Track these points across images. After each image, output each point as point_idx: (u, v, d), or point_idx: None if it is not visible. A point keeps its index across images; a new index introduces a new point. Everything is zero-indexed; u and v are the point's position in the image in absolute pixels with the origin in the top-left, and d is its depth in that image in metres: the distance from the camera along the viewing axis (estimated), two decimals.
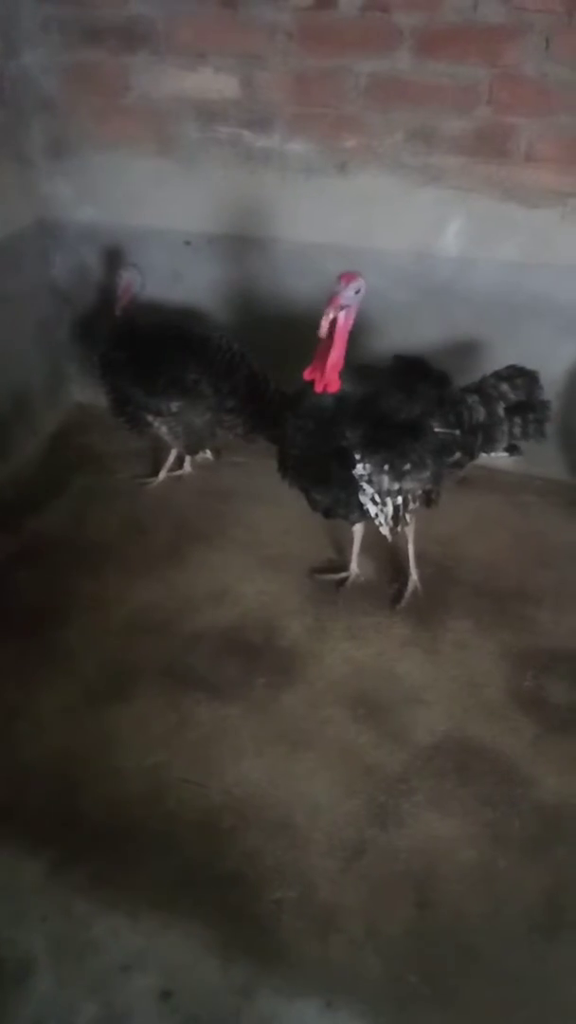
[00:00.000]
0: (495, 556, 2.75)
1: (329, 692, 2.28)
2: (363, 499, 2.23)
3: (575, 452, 3.03)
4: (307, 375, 2.13)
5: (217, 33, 2.58)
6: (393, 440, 2.20)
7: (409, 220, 2.72)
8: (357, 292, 2.03)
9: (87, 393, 3.43)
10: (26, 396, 3.20)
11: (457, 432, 2.34)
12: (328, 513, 2.41)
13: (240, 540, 2.82)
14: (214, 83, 2.66)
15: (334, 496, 2.30)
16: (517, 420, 2.41)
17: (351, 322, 2.08)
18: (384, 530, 2.33)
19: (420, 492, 2.36)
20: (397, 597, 2.57)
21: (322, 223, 2.79)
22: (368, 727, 2.18)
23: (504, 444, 2.43)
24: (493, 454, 2.46)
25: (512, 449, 2.46)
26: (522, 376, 2.43)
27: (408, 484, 2.26)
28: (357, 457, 2.15)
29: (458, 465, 2.40)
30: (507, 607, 2.56)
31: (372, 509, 2.25)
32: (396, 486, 2.23)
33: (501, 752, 2.12)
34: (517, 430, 2.42)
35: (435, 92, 2.50)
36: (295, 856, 1.88)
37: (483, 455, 2.45)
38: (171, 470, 3.11)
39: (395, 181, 2.67)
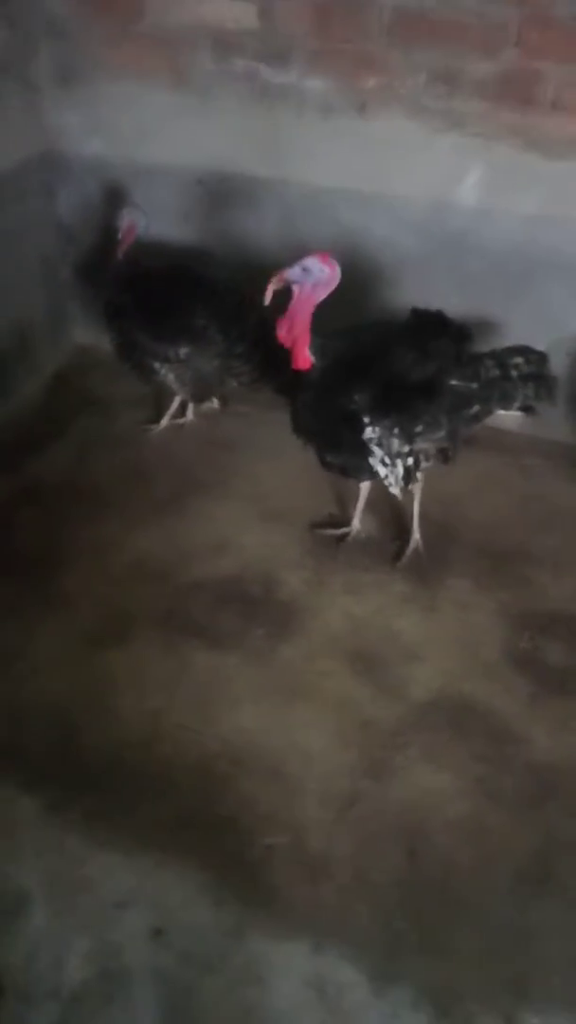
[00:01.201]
0: (498, 517, 2.74)
1: (327, 645, 2.28)
2: (372, 461, 2.21)
3: None
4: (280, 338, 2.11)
5: None
6: (404, 403, 2.17)
7: (427, 167, 2.64)
8: (304, 270, 2.00)
9: (88, 335, 3.37)
10: (28, 335, 3.13)
11: (475, 385, 2.31)
12: (344, 472, 2.42)
13: (242, 491, 2.79)
14: (231, 11, 2.55)
15: (344, 459, 2.30)
16: (530, 383, 2.42)
17: (312, 301, 2.05)
18: (394, 489, 2.31)
19: (435, 451, 2.34)
20: (398, 555, 2.57)
21: (337, 166, 2.71)
22: (364, 681, 2.19)
23: (519, 402, 2.43)
24: (508, 412, 2.45)
25: (527, 409, 2.47)
26: (534, 354, 2.45)
27: (420, 445, 2.25)
28: (366, 420, 2.13)
29: (476, 419, 2.38)
30: (507, 568, 2.55)
31: (382, 471, 2.23)
32: (406, 448, 2.22)
33: (496, 710, 2.14)
34: (530, 391, 2.43)
35: (461, 31, 2.40)
36: (288, 804, 1.90)
37: (500, 412, 2.43)
38: (174, 417, 3.06)
39: (415, 126, 2.58)
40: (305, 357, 2.10)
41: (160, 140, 2.83)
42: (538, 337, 2.84)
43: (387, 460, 2.21)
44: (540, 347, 2.81)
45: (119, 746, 2.00)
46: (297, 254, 2.89)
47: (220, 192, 2.89)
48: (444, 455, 2.40)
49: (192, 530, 2.63)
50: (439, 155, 2.61)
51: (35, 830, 1.83)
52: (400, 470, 2.26)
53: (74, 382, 3.29)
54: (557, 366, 2.86)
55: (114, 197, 2.98)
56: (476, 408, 2.34)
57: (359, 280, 2.91)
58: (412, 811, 1.90)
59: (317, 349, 2.11)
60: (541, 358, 2.46)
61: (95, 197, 3.05)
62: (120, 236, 2.69)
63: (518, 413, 2.47)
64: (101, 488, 2.77)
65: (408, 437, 2.20)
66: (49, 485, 2.78)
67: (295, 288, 2.04)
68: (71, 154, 2.97)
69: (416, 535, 2.57)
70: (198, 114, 2.74)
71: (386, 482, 2.28)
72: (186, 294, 2.69)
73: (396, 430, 2.17)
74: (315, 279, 2.04)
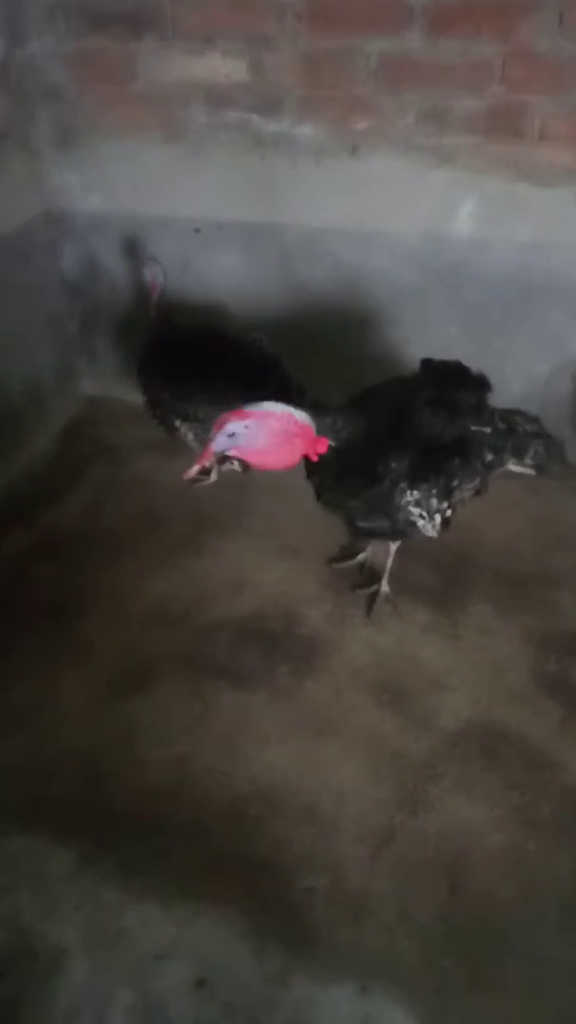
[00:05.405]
0: (513, 541, 2.74)
1: (352, 679, 2.27)
2: (412, 519, 2.15)
3: None
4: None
5: (224, 16, 2.54)
6: (441, 465, 2.12)
7: (421, 202, 2.69)
8: (231, 436, 1.83)
9: (96, 386, 3.44)
10: (37, 390, 3.18)
11: (488, 430, 2.23)
12: (372, 535, 2.37)
13: (256, 530, 2.80)
14: (222, 67, 2.63)
15: (376, 523, 2.22)
16: (539, 442, 2.34)
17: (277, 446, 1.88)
18: (431, 534, 2.23)
19: (471, 495, 2.30)
20: (369, 606, 2.50)
21: (333, 207, 2.77)
22: (393, 713, 2.17)
23: (530, 458, 2.34)
24: (519, 468, 2.37)
25: (539, 468, 2.37)
26: (527, 415, 2.37)
27: (458, 496, 2.20)
28: (403, 487, 2.07)
29: (489, 468, 2.28)
30: (527, 591, 2.54)
31: (420, 523, 2.18)
32: (445, 504, 2.16)
33: (527, 736, 2.11)
34: (540, 450, 2.34)
35: (447, 71, 2.47)
36: (324, 843, 1.87)
37: (511, 466, 2.35)
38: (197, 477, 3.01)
39: (407, 163, 2.64)
40: (314, 454, 1.98)
41: (158, 193, 2.90)
42: (540, 361, 2.89)
43: (425, 516, 2.16)
44: (543, 370, 2.85)
45: (149, 793, 1.97)
46: (297, 295, 2.98)
47: (218, 240, 2.95)
48: (477, 493, 2.34)
49: (209, 571, 2.63)
50: (432, 190, 2.67)
51: (69, 884, 1.80)
52: (439, 521, 2.19)
53: (84, 432, 3.33)
54: (562, 390, 2.91)
55: (118, 251, 3.05)
56: (489, 457, 2.26)
57: (359, 316, 2.97)
58: (450, 844, 1.87)
59: (328, 429, 1.96)
60: (535, 419, 2.37)
61: (98, 252, 3.13)
62: (149, 292, 2.72)
63: (531, 471, 2.38)
64: (117, 534, 2.79)
65: (446, 494, 2.15)
66: (65, 535, 2.80)
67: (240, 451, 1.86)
68: (73, 212, 3.05)
69: (385, 587, 2.51)
70: (193, 165, 2.81)
71: (424, 532, 2.21)
72: (210, 355, 2.66)
73: (434, 491, 2.12)
74: (248, 439, 1.83)
